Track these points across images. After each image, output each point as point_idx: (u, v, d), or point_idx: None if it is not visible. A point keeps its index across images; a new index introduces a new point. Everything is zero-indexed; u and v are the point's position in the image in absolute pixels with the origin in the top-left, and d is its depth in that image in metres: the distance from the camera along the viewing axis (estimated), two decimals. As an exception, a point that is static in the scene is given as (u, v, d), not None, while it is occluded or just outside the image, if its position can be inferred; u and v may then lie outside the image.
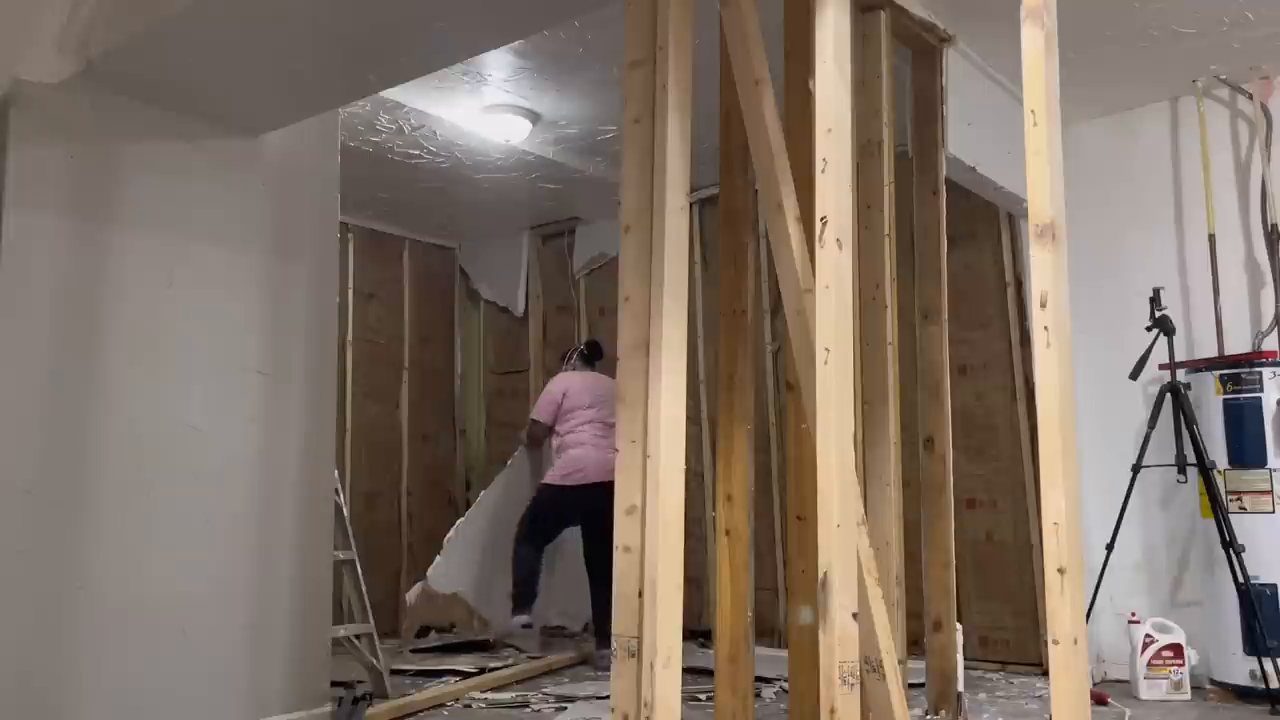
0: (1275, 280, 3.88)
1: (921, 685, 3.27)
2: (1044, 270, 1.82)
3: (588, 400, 4.80)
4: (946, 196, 3.42)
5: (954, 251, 3.73)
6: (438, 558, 5.11)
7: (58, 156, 2.80)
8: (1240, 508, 3.65)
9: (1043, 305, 1.81)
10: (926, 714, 3.19)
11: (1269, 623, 3.50)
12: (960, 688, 3.22)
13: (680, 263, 2.23)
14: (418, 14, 2.61)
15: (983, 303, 4.47)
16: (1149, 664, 3.71)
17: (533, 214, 5.83)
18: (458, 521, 5.33)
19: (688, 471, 2.21)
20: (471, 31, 2.77)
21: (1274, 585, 3.56)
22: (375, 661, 3.91)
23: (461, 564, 5.10)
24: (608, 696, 2.28)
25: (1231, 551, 3.54)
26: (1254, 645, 3.53)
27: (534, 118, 4.36)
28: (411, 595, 5.10)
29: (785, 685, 3.39)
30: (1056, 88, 1.88)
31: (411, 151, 4.74)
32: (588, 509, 4.65)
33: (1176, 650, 3.71)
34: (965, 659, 3.47)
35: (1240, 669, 3.60)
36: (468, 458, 6.27)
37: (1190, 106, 4.12)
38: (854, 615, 2.03)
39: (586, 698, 3.83)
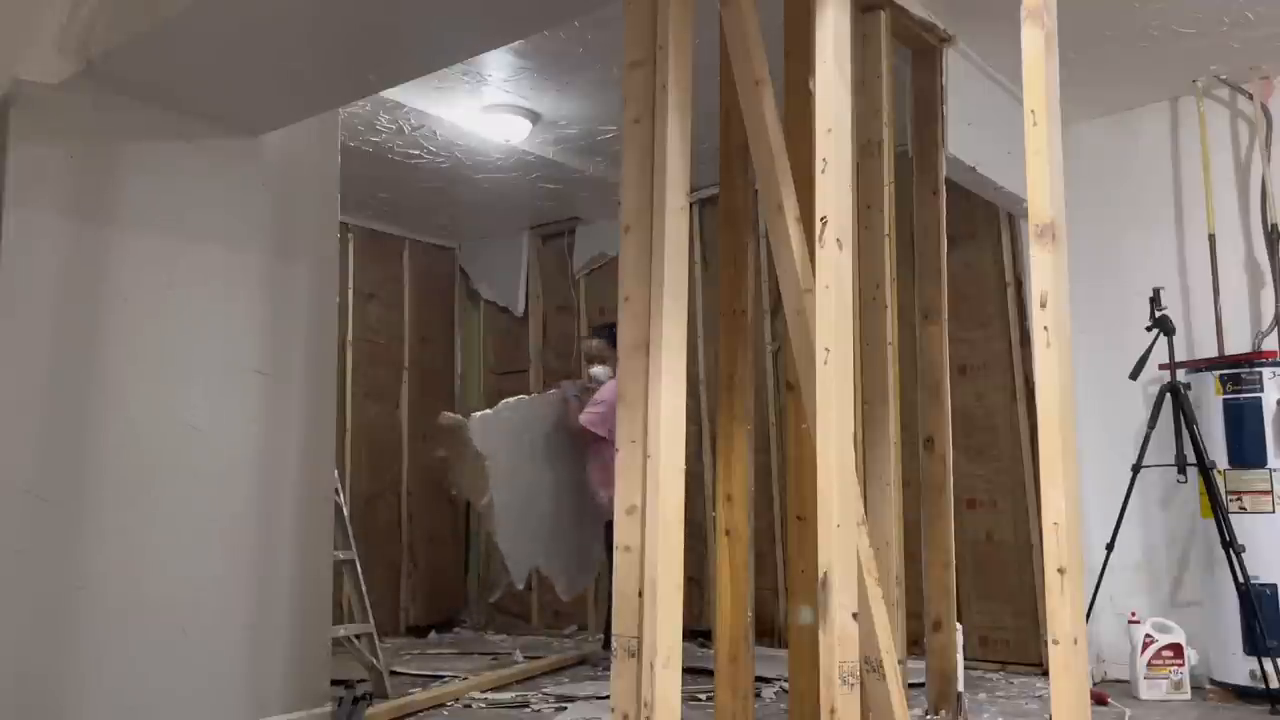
0: (1275, 280, 3.88)
1: (921, 685, 3.27)
2: (1044, 270, 1.82)
3: None
4: (946, 196, 3.42)
5: (954, 251, 3.74)
6: (488, 412, 4.57)
7: (58, 156, 2.80)
8: (1240, 508, 3.65)
9: (1043, 305, 1.81)
10: (926, 714, 3.19)
11: (1269, 623, 3.49)
12: (960, 688, 3.22)
13: (680, 263, 2.23)
14: (418, 14, 2.61)
15: (983, 303, 4.47)
16: (1149, 664, 3.71)
17: (533, 214, 5.83)
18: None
19: (688, 471, 2.21)
20: (471, 31, 2.78)
21: (1274, 585, 3.56)
22: (375, 661, 3.91)
23: (500, 435, 4.52)
24: (608, 696, 2.28)
25: (1231, 551, 3.54)
26: (1254, 645, 3.53)
27: (534, 118, 4.36)
28: (445, 418, 4.59)
29: (785, 685, 3.39)
30: (1056, 88, 1.88)
31: (411, 151, 4.74)
32: None
33: (1176, 650, 3.71)
34: (965, 659, 3.47)
35: (1240, 669, 3.60)
36: (468, 458, 6.26)
37: (1190, 106, 4.12)
38: (854, 615, 2.03)
39: (586, 698, 3.83)
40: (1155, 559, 4.09)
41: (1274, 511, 3.60)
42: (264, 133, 3.26)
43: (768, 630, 4.77)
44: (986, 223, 4.44)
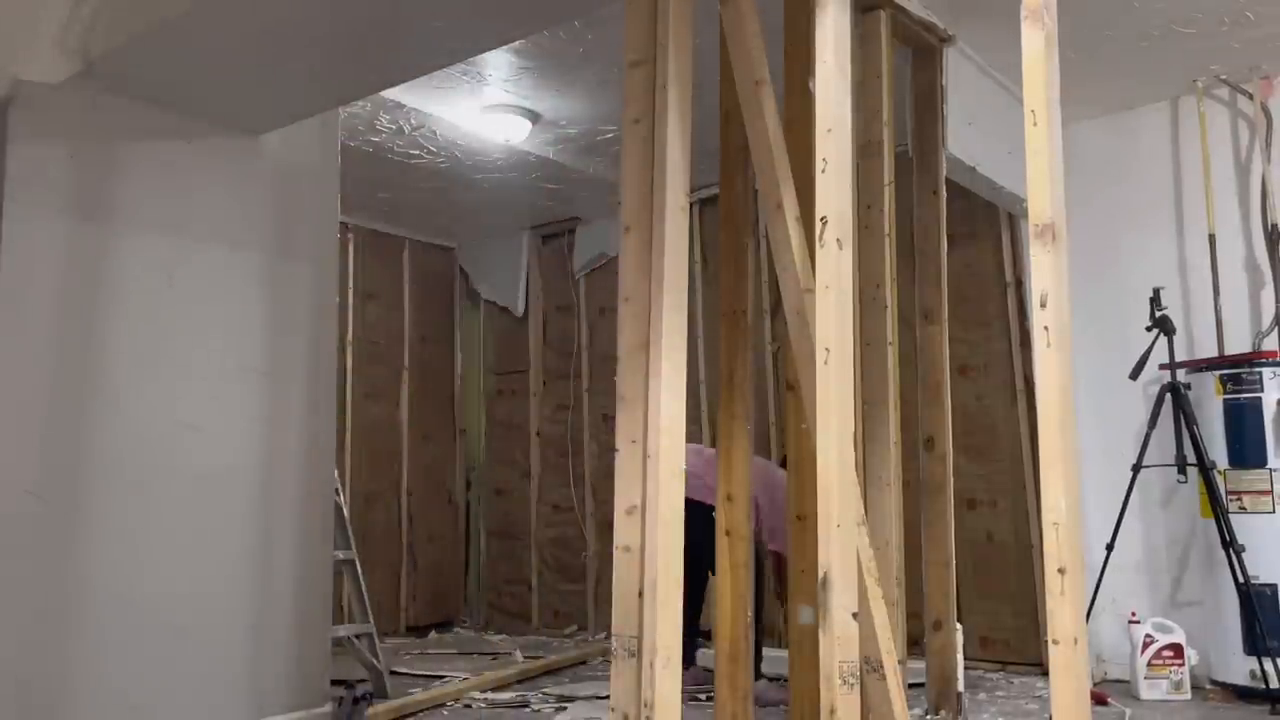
0: (1275, 280, 3.88)
1: (921, 685, 3.27)
2: (1044, 270, 1.82)
3: None
4: (946, 196, 3.42)
5: (954, 251, 3.73)
6: None
7: (58, 156, 2.80)
8: (1240, 508, 3.65)
9: (1043, 305, 1.81)
10: (926, 714, 3.19)
11: (1269, 623, 3.49)
12: (960, 688, 3.22)
13: (680, 263, 2.23)
14: (417, 14, 2.61)
15: (983, 303, 4.47)
16: (1149, 664, 3.71)
17: (533, 214, 5.83)
18: None
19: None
20: (471, 31, 2.77)
21: (1274, 585, 3.56)
22: (375, 661, 3.91)
23: None
24: (608, 696, 2.28)
25: (1231, 551, 3.54)
26: (1254, 645, 3.52)
27: (534, 118, 4.36)
28: None
29: (785, 685, 3.38)
30: (1056, 88, 1.88)
31: (411, 151, 4.74)
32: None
33: (1177, 650, 3.71)
34: (965, 659, 3.47)
35: (1240, 669, 3.60)
36: (468, 457, 6.26)
37: (1190, 106, 4.12)
38: (854, 615, 2.03)
39: (586, 698, 3.83)
40: (1155, 559, 4.09)
41: (1274, 511, 3.60)
42: (264, 133, 3.26)
43: (768, 630, 4.76)
44: (986, 223, 4.44)
